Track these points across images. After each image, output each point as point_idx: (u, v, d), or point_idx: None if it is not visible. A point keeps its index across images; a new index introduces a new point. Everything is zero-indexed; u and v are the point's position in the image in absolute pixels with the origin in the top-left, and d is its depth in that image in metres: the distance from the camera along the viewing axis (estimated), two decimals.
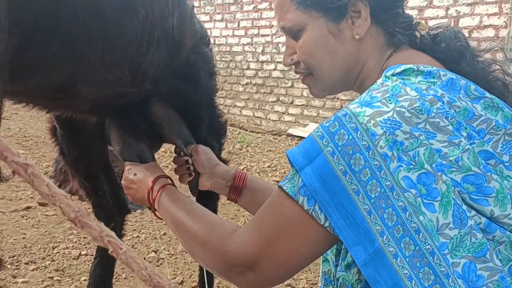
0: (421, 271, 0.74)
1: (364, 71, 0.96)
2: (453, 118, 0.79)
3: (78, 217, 0.41)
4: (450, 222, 0.74)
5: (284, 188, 0.80)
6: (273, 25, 6.15)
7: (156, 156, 1.37)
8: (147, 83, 1.20)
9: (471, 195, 0.76)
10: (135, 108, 1.29)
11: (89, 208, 1.69)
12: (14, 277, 2.04)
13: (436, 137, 0.77)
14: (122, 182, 1.17)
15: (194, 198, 1.51)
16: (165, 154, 4.28)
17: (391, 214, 0.74)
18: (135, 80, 1.14)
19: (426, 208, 0.74)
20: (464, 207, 0.75)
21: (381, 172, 0.75)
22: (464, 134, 0.78)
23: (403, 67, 0.86)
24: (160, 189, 1.06)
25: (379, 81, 0.86)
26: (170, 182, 1.10)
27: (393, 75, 0.86)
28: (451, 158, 0.76)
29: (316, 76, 0.98)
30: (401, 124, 0.76)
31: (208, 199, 1.71)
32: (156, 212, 1.07)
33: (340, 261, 0.95)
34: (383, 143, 0.75)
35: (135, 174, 1.15)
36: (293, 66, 1.01)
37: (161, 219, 1.07)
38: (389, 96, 0.79)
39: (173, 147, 1.32)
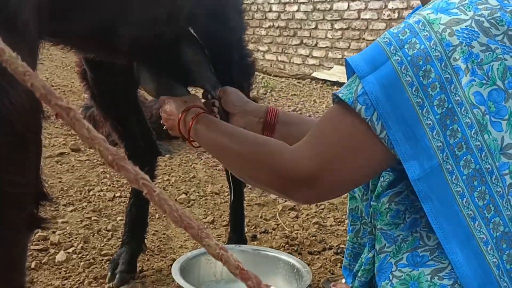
0: (477, 190, 0.73)
1: None
2: None
3: (115, 160, 0.42)
4: None
5: (340, 95, 0.77)
6: None
7: None
8: (182, 21, 1.18)
9: None
10: (166, 53, 1.28)
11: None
12: (54, 217, 2.14)
13: (511, 53, 0.73)
14: (161, 114, 1.17)
15: None
16: None
17: (455, 131, 0.73)
18: (170, 17, 1.13)
19: (493, 126, 0.72)
20: None
21: (452, 86, 0.72)
22: None
23: None
24: (194, 119, 1.05)
25: None
26: (203, 111, 1.09)
27: None
28: None
29: None
30: (479, 34, 0.72)
31: None
32: (192, 142, 1.07)
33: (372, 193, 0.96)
34: (458, 55, 0.71)
35: (171, 106, 1.14)
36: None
37: (198, 147, 1.07)
38: (467, 3, 0.74)
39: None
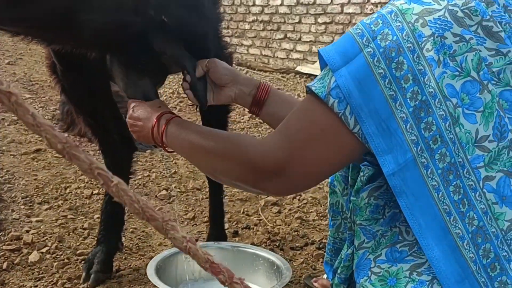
0: (452, 184, 0.72)
1: None
2: (507, 24, 0.72)
3: (65, 149, 0.37)
4: (490, 135, 0.71)
5: (313, 88, 0.75)
6: None
7: (164, 98, 1.31)
8: (151, 10, 1.12)
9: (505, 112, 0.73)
10: (136, 42, 1.23)
11: (96, 146, 1.67)
12: (28, 216, 2.07)
13: (485, 43, 0.71)
14: (127, 120, 1.15)
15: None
16: (173, 95, 4.23)
17: (430, 124, 0.71)
18: (137, 5, 1.07)
19: (466, 119, 0.71)
20: (506, 119, 0.71)
21: (425, 78, 0.70)
22: None
23: None
24: (166, 122, 1.03)
25: None
26: (175, 116, 1.07)
27: None
28: (494, 70, 0.71)
29: None
30: (452, 25, 0.70)
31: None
32: (165, 147, 1.05)
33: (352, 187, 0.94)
34: (430, 46, 0.70)
35: (140, 112, 1.11)
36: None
37: (172, 151, 1.05)
38: None
39: (180, 88, 1.26)
